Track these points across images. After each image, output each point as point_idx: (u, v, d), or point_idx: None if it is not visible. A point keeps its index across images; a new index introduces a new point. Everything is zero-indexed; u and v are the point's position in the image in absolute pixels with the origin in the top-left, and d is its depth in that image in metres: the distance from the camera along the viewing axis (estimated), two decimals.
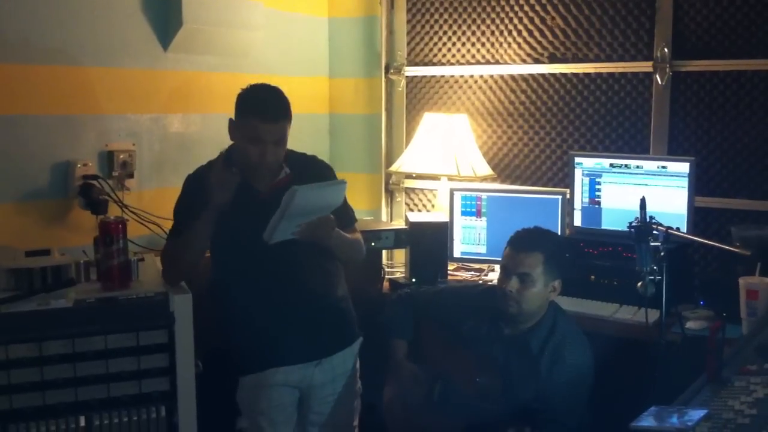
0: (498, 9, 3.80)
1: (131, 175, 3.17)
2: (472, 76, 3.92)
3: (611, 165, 3.31)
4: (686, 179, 3.14)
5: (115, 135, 3.17)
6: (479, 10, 3.85)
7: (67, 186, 2.98)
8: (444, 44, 3.98)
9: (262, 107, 2.44)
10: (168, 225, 3.08)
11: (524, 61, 3.77)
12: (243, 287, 2.54)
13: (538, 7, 3.70)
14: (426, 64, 4.05)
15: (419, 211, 4.13)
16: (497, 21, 3.82)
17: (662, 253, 2.49)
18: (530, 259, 2.51)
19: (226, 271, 2.55)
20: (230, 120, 2.52)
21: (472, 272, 3.69)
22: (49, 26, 2.92)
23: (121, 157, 3.14)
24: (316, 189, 2.39)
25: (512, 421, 2.36)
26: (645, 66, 3.47)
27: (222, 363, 2.57)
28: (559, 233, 3.34)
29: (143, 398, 2.25)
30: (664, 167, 3.20)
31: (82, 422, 2.19)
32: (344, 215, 2.65)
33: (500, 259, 2.65)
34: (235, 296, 2.56)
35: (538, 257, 2.52)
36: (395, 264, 3.91)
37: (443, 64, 3.99)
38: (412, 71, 4.08)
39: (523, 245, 2.55)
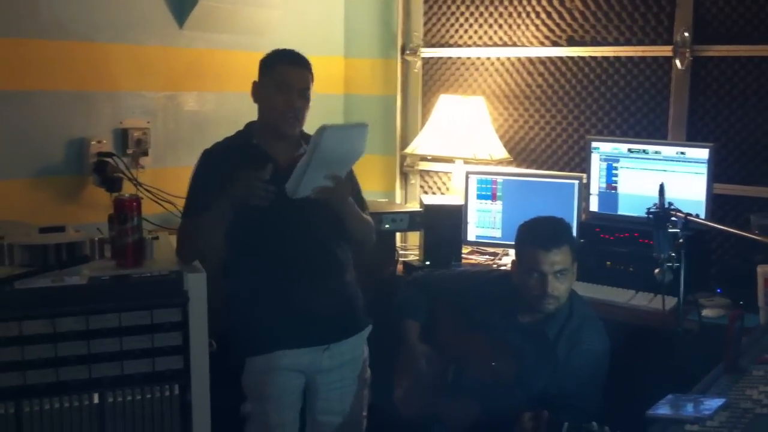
0: None
1: (146, 153, 3.17)
2: (489, 58, 3.88)
3: (629, 150, 3.28)
4: (705, 165, 3.11)
5: (130, 112, 3.16)
6: None
7: (82, 163, 2.98)
8: (461, 26, 3.94)
9: (290, 54, 2.59)
10: (183, 203, 3.09)
11: (542, 44, 3.73)
12: (254, 266, 2.54)
13: None
14: (442, 46, 4.01)
15: (434, 193, 4.12)
16: (515, 2, 3.77)
17: (681, 240, 2.46)
18: (562, 255, 2.47)
19: (239, 246, 2.54)
20: (254, 82, 2.61)
21: (487, 256, 3.67)
22: (65, 2, 2.90)
23: (136, 134, 3.13)
24: (343, 129, 2.45)
25: (528, 406, 2.34)
26: (665, 50, 3.42)
27: (232, 349, 2.57)
28: (575, 218, 3.32)
29: (156, 376, 2.25)
30: (682, 153, 3.17)
31: (96, 399, 2.19)
32: (356, 201, 2.64)
33: (514, 243, 2.62)
34: (245, 274, 2.56)
35: (567, 249, 2.49)
36: (409, 246, 3.90)
37: (460, 46, 3.96)
38: (428, 53, 4.04)
39: (553, 242, 2.47)
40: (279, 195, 2.36)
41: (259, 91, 2.59)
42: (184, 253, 2.46)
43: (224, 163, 2.54)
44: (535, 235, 2.53)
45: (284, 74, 2.53)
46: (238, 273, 2.58)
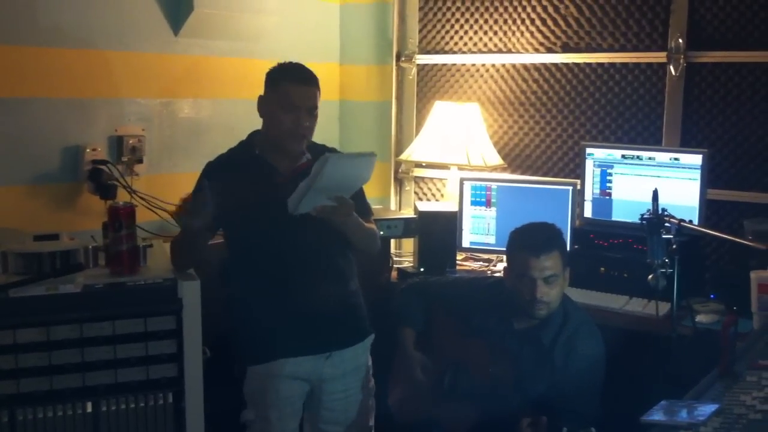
0: None
1: (140, 161, 3.16)
2: (483, 65, 3.89)
3: (623, 156, 3.29)
4: (699, 171, 3.12)
5: (125, 119, 3.16)
6: None
7: (77, 170, 2.97)
8: (456, 32, 3.95)
9: (296, 72, 2.52)
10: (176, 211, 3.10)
11: (537, 51, 3.74)
12: (256, 274, 2.53)
13: None
14: (437, 53, 4.02)
15: (428, 200, 4.12)
16: (510, 9, 3.79)
17: (674, 246, 2.47)
18: (552, 260, 2.48)
19: (241, 254, 2.54)
20: (259, 96, 2.55)
21: (481, 262, 3.68)
22: (60, 9, 2.90)
23: (131, 142, 3.13)
24: (347, 158, 2.41)
25: (525, 411, 2.34)
26: (659, 56, 3.44)
27: (230, 350, 2.56)
28: (569, 224, 3.32)
29: (151, 384, 2.25)
30: (676, 159, 3.18)
31: (89, 407, 2.19)
32: (360, 206, 2.64)
33: (506, 249, 2.63)
34: (247, 282, 2.55)
35: (557, 254, 2.50)
36: (404, 253, 3.90)
37: (455, 53, 3.97)
38: (423, 59, 4.05)
39: (542, 248, 2.49)
40: (281, 203, 2.36)
41: (264, 106, 2.54)
42: (174, 264, 2.46)
43: (226, 175, 2.52)
44: (525, 241, 2.55)
45: (290, 93, 2.47)
46: (239, 281, 2.58)
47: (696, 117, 3.39)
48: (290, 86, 2.48)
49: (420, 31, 4.06)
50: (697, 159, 3.13)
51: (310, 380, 2.59)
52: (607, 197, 3.32)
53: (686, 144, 3.38)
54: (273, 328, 2.52)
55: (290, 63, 2.57)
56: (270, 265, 2.51)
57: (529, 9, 3.73)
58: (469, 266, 3.64)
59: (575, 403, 2.43)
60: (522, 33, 3.77)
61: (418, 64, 4.07)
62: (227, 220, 2.50)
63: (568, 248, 2.69)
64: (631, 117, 3.55)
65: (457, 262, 3.58)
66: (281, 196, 2.37)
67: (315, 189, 2.29)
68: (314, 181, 2.27)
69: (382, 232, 3.38)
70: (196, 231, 2.37)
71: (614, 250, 3.15)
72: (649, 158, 3.23)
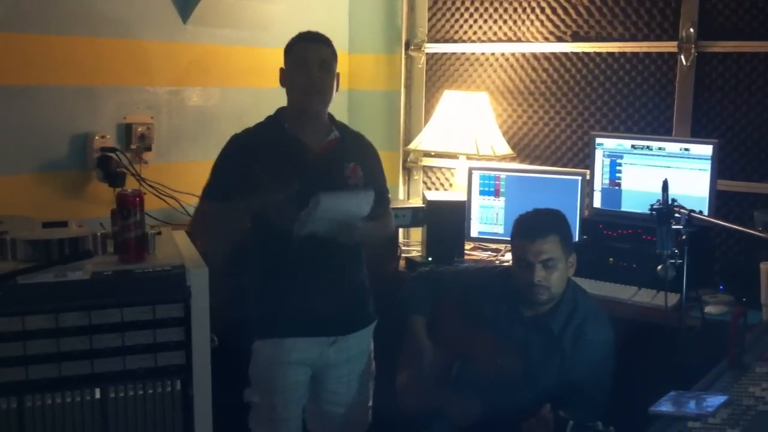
0: None
1: (149, 148, 3.17)
2: (493, 54, 3.88)
3: (633, 146, 3.27)
4: (709, 162, 3.10)
5: (134, 107, 3.16)
6: None
7: (85, 158, 2.98)
8: (465, 21, 3.94)
9: (306, 33, 2.63)
10: (186, 199, 3.10)
11: (547, 40, 3.72)
12: (272, 252, 2.55)
13: None
14: (447, 41, 4.01)
15: (437, 189, 4.11)
16: None
17: (683, 237, 2.46)
18: (548, 244, 2.49)
19: (263, 230, 2.55)
20: (280, 69, 2.63)
21: (489, 252, 3.67)
22: None
23: (140, 129, 3.13)
24: (340, 196, 2.44)
25: (534, 401, 2.34)
26: (670, 46, 3.42)
27: (237, 338, 2.57)
28: (578, 215, 3.31)
29: (159, 371, 2.24)
30: (686, 149, 3.16)
31: (98, 394, 2.19)
32: (377, 195, 2.65)
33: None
34: (262, 260, 2.58)
35: (555, 239, 2.50)
36: (412, 242, 3.90)
37: (464, 42, 3.95)
38: (432, 48, 4.04)
39: (537, 232, 2.51)
40: (302, 184, 2.37)
41: (284, 74, 2.63)
42: (198, 234, 2.50)
43: (254, 148, 2.56)
44: (522, 226, 2.58)
45: (301, 51, 2.58)
46: (255, 258, 2.61)
47: (706, 107, 3.37)
48: (300, 44, 2.59)
49: (429, 19, 4.04)
50: (707, 149, 3.11)
51: (314, 365, 2.61)
52: (617, 187, 3.30)
53: (696, 134, 3.36)
54: (283, 307, 2.54)
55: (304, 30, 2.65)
56: (284, 247, 2.51)
57: None
58: (478, 256, 3.64)
59: (585, 390, 2.43)
60: (532, 22, 3.75)
61: (427, 53, 4.05)
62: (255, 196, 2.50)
63: (574, 235, 2.68)
64: (641, 107, 3.53)
65: (465, 251, 3.58)
66: (311, 173, 2.44)
67: (315, 222, 2.36)
68: (311, 214, 2.34)
69: None
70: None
71: (623, 240, 3.14)
72: (659, 148, 3.21)
